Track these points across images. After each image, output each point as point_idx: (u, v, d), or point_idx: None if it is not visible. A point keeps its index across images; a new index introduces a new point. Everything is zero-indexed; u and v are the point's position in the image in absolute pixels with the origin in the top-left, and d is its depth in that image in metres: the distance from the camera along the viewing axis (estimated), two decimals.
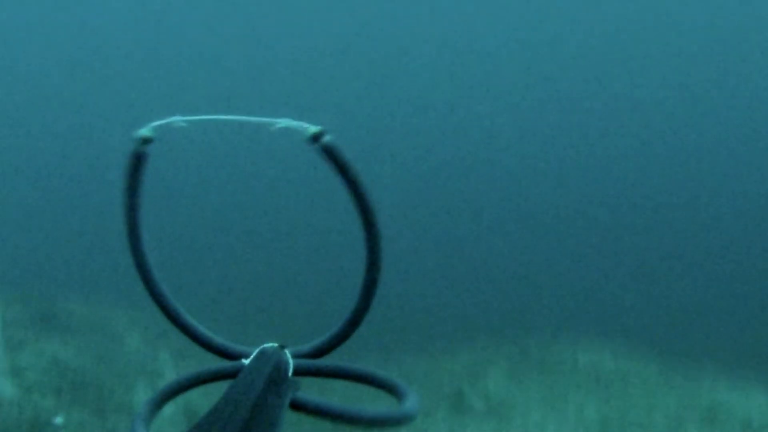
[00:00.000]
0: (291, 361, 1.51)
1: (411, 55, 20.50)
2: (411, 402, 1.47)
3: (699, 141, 17.50)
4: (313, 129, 1.38)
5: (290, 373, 1.51)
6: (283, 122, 1.39)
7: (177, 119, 1.42)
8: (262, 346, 1.53)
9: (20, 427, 4.29)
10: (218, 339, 1.59)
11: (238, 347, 1.57)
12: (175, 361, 6.59)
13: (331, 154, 1.39)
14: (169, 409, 1.69)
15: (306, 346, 1.57)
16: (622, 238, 14.01)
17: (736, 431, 5.73)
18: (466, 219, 14.91)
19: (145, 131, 1.43)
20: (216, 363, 1.58)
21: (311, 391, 1.52)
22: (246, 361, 1.52)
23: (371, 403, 1.55)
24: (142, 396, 5.74)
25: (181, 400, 1.69)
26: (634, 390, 6.77)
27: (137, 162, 1.46)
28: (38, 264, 11.35)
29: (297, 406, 1.48)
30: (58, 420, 4.35)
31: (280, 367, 1.49)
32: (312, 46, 20.35)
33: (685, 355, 7.52)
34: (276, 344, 1.53)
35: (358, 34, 20.73)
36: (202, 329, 1.59)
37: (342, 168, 1.40)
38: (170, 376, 6.59)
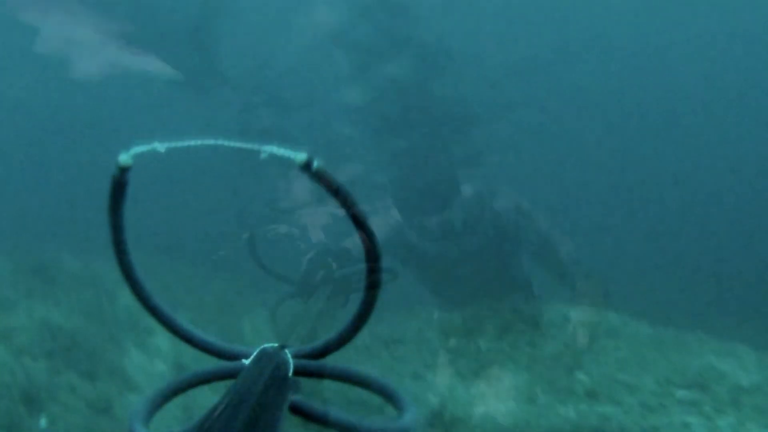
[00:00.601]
0: (291, 362, 1.51)
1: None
2: (410, 415, 1.48)
3: (698, 118, 17.57)
4: (300, 157, 1.39)
5: (290, 374, 1.50)
6: (267, 149, 1.39)
7: (158, 146, 1.41)
8: (262, 347, 1.53)
9: (12, 394, 4.25)
10: (218, 340, 1.59)
11: (239, 347, 1.57)
12: None
13: (322, 180, 1.41)
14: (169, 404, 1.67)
15: (306, 347, 1.57)
16: (615, 205, 14.07)
17: (726, 395, 5.76)
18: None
19: (124, 158, 1.42)
20: (216, 363, 1.58)
21: (308, 390, 1.51)
22: (246, 362, 1.51)
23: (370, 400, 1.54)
24: (134, 358, 5.73)
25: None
26: (624, 352, 6.79)
27: (118, 189, 1.46)
28: (28, 219, 11.31)
29: (298, 412, 1.48)
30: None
31: (280, 367, 1.49)
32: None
33: (676, 319, 7.56)
34: (276, 345, 1.53)
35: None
36: (201, 333, 1.59)
37: (335, 192, 1.42)
38: (162, 335, 6.58)
